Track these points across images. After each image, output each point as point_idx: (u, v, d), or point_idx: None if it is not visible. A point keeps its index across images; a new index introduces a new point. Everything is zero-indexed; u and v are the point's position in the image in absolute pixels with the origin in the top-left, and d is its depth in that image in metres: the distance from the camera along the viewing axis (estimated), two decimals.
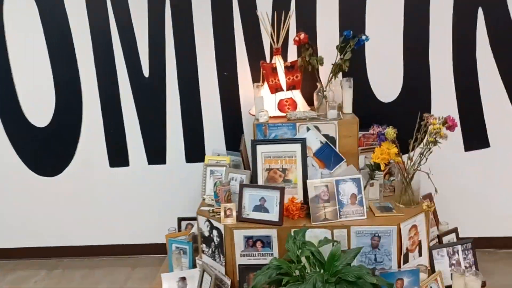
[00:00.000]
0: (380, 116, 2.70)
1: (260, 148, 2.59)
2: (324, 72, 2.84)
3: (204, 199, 2.76)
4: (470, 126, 3.07)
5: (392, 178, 2.68)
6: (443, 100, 3.05)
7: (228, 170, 2.67)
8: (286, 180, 2.57)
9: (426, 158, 2.37)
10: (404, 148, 2.45)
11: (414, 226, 2.41)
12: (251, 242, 2.39)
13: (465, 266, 2.57)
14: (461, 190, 3.13)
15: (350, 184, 2.40)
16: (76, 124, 3.26)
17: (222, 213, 2.42)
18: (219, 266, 2.50)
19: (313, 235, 2.32)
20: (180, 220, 3.17)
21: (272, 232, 2.36)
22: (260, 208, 2.41)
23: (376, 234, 2.32)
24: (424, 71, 3.04)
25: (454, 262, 2.56)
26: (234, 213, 2.43)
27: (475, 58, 2.99)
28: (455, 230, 2.78)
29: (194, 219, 3.00)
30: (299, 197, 2.53)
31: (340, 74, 2.75)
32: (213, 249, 2.53)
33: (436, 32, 2.97)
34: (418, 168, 2.42)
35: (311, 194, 2.37)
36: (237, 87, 3.14)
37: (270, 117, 2.67)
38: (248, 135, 3.10)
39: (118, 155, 3.30)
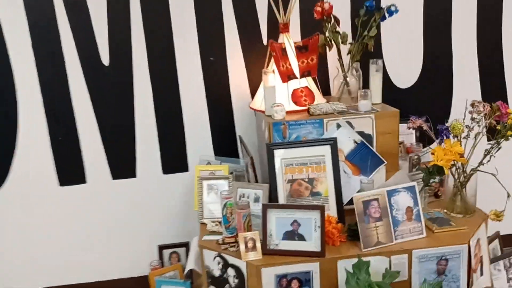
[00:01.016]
0: (397, 104, 2.18)
1: (279, 154, 1.98)
2: (333, 56, 2.30)
3: (203, 224, 2.10)
4: None
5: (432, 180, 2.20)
6: (466, 82, 2.63)
7: (235, 185, 2.03)
8: (314, 194, 1.99)
9: (494, 156, 1.90)
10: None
11: (477, 241, 1.94)
12: (285, 282, 1.78)
13: None
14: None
15: (404, 195, 1.87)
16: (9, 132, 2.41)
17: (242, 246, 1.79)
18: None
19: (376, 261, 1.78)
20: (161, 248, 2.48)
21: (313, 267, 1.78)
22: (292, 235, 1.81)
23: (443, 257, 1.82)
24: (447, 50, 2.59)
25: (511, 276, 2.15)
26: (259, 245, 1.80)
27: (500, 34, 2.60)
28: (497, 236, 2.38)
29: (180, 245, 2.38)
30: (332, 215, 1.96)
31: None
32: None
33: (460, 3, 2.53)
34: (479, 169, 1.95)
35: (358, 211, 1.81)
36: (226, 76, 2.48)
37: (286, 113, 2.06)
38: (246, 136, 2.47)
39: (70, 169, 2.51)
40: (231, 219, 1.92)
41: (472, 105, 2.01)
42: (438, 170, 1.86)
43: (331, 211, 1.98)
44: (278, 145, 1.98)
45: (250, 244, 1.80)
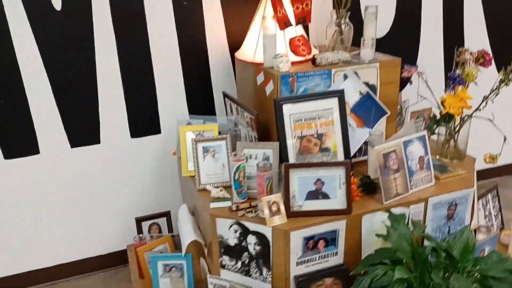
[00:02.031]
0: None
1: (288, 109, 1.82)
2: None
3: (202, 190, 1.89)
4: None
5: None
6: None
7: (240, 145, 1.84)
8: (323, 150, 1.89)
9: (491, 102, 1.96)
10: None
11: None
12: (311, 243, 1.69)
13: (495, 215, 2.35)
14: None
15: (417, 145, 1.86)
16: None
17: (267, 211, 1.64)
18: (257, 284, 1.75)
19: (385, 217, 1.75)
20: (139, 221, 2.21)
21: (340, 225, 1.70)
22: (316, 194, 1.70)
23: (454, 203, 1.87)
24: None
25: (487, 213, 2.31)
26: (283, 208, 1.67)
27: None
28: None
29: (159, 216, 2.14)
30: None
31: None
32: (246, 261, 1.74)
33: None
34: (475, 115, 2.00)
35: (380, 164, 1.75)
36: (202, 23, 2.21)
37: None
38: (231, 91, 2.25)
39: (18, 139, 2.08)
40: (243, 183, 1.74)
41: (459, 53, 2.04)
42: (448, 118, 1.87)
43: None
44: (287, 100, 1.81)
45: (274, 208, 1.65)
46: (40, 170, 2.13)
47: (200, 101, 2.32)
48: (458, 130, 2.05)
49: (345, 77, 1.90)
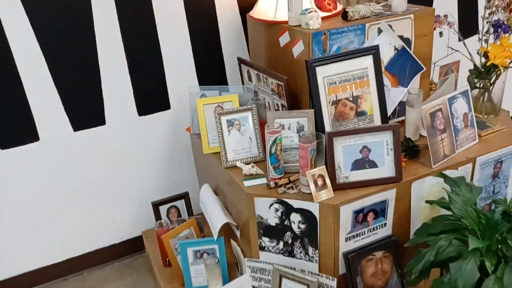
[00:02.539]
0: None
1: (321, 71, 1.64)
2: None
3: (230, 168, 1.71)
4: None
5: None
6: None
7: (272, 115, 1.65)
8: (359, 113, 1.73)
9: None
10: None
11: None
12: (361, 217, 1.55)
13: None
14: None
15: (461, 101, 1.72)
16: None
17: (312, 186, 1.48)
18: (302, 264, 1.61)
19: (435, 182, 1.62)
20: (156, 205, 2.03)
21: (389, 194, 1.56)
22: (363, 163, 1.55)
23: (500, 160, 1.75)
24: None
25: None
26: (328, 181, 1.51)
27: None
28: None
29: (176, 199, 1.98)
30: None
31: None
32: (289, 241, 1.59)
33: None
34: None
35: (427, 125, 1.61)
36: None
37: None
38: (243, 56, 2.05)
39: (14, 126, 1.84)
40: (280, 157, 1.58)
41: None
42: (492, 70, 1.72)
43: None
44: (320, 61, 1.63)
45: (320, 182, 1.50)
46: (41, 159, 1.91)
47: (210, 70, 2.11)
48: (494, 82, 1.91)
49: (379, 31, 1.72)
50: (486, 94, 1.93)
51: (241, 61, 1.98)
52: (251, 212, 1.59)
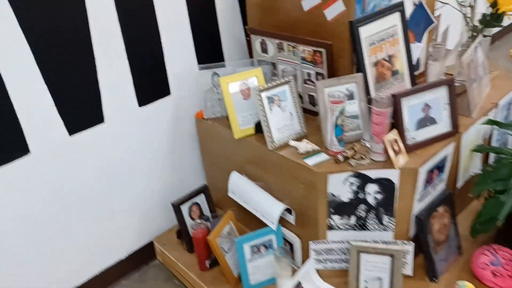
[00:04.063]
0: None
1: (364, 32, 1.56)
2: None
3: (278, 148, 1.56)
4: None
5: None
6: None
7: (321, 85, 1.53)
8: (394, 73, 1.69)
9: None
10: None
11: None
12: (430, 175, 1.53)
13: None
14: None
15: (479, 50, 1.78)
16: None
17: (392, 152, 1.42)
18: (375, 235, 1.56)
19: (473, 131, 1.69)
20: (177, 205, 1.79)
21: (449, 149, 1.57)
22: (424, 121, 1.53)
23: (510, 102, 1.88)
24: None
25: None
26: (402, 145, 1.46)
27: None
28: None
29: (195, 194, 1.80)
30: None
31: None
32: (362, 214, 1.52)
33: None
34: None
35: (467, 77, 1.64)
36: None
37: None
38: (238, 31, 1.85)
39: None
40: (346, 128, 1.48)
41: None
42: (497, 17, 1.80)
43: (408, 86, 1.74)
44: (363, 21, 1.54)
45: (396, 147, 1.44)
46: (32, 174, 1.53)
47: (208, 47, 1.88)
48: None
49: None
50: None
51: (252, 31, 1.79)
52: (322, 191, 1.47)
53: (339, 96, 1.43)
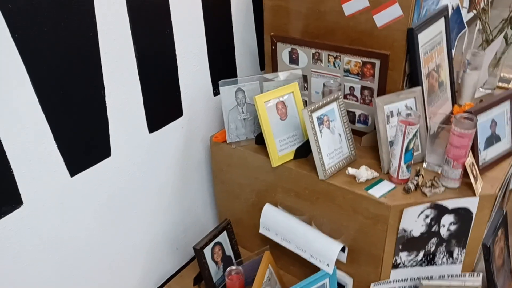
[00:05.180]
0: None
1: (422, 39, 1.37)
2: None
3: (330, 179, 1.33)
4: None
5: None
6: None
7: (380, 102, 1.32)
8: (440, 84, 1.53)
9: None
10: None
11: None
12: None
13: None
14: None
15: None
16: None
17: (473, 178, 1.24)
18: (442, 270, 1.38)
19: None
20: (200, 249, 1.50)
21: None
22: (491, 140, 1.38)
23: None
24: None
25: None
26: (477, 169, 1.29)
27: None
28: None
29: (219, 233, 1.54)
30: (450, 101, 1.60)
31: None
32: (432, 248, 1.34)
33: None
34: None
35: None
36: None
37: None
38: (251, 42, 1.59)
39: None
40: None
41: None
42: None
43: (449, 98, 1.60)
44: (419, 28, 1.35)
45: (474, 172, 1.26)
46: (26, 227, 1.16)
47: (221, 62, 1.60)
48: None
49: None
50: None
51: (280, 39, 1.53)
52: (394, 226, 1.26)
53: (413, 115, 1.23)
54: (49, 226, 1.21)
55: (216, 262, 1.54)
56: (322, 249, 1.35)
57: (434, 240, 1.32)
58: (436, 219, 1.27)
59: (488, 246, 1.38)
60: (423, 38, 1.38)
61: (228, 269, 1.40)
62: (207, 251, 1.50)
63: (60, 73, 1.11)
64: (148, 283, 1.62)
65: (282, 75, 1.49)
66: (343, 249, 1.37)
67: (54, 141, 1.15)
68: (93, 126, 1.24)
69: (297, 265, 1.52)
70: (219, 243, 1.55)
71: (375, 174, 1.32)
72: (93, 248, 1.36)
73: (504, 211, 1.50)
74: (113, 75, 1.23)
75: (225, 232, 1.57)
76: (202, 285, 1.57)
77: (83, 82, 1.17)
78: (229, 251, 1.60)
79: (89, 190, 1.29)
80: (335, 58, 1.44)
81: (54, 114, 1.13)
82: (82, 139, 1.22)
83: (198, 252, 1.47)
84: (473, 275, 1.37)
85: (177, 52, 1.41)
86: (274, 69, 1.60)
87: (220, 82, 1.44)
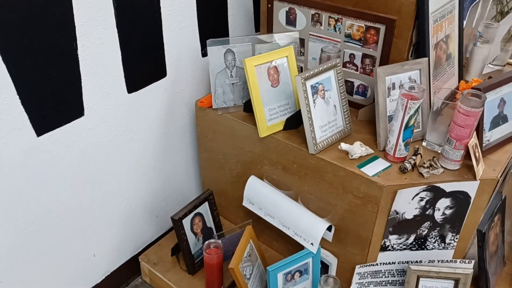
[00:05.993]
0: None
1: (433, 5, 1.24)
2: None
3: (320, 152, 1.23)
4: None
5: None
6: None
7: (382, 72, 1.20)
8: (447, 56, 1.41)
9: None
10: None
11: None
12: None
13: None
14: None
15: None
16: None
17: (474, 161, 1.15)
18: (432, 255, 1.31)
19: None
20: (179, 219, 1.41)
21: None
22: (497, 120, 1.27)
23: None
24: None
25: None
26: (479, 151, 1.19)
27: None
28: None
29: (200, 204, 1.45)
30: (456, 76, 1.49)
31: None
32: (424, 232, 1.25)
33: None
34: None
35: None
36: None
37: None
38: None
39: None
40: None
41: None
42: None
43: (456, 73, 1.48)
44: None
45: (477, 154, 1.17)
46: None
47: (212, 19, 1.46)
48: None
49: None
50: None
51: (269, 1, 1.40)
52: (386, 208, 1.17)
53: (418, 89, 1.12)
54: (12, 190, 1.11)
55: (195, 234, 1.46)
56: (307, 227, 1.27)
57: (427, 224, 1.23)
58: (432, 202, 1.18)
59: (484, 232, 1.30)
60: (434, 4, 1.25)
61: (206, 242, 1.32)
62: (186, 222, 1.42)
63: (25, 19, 0.98)
64: (125, 251, 1.55)
65: (277, 37, 1.36)
66: (329, 228, 1.29)
67: (18, 96, 1.04)
68: (64, 82, 1.12)
69: (281, 241, 1.44)
70: (199, 214, 1.46)
71: (370, 150, 1.22)
72: (64, 214, 1.27)
73: (503, 196, 1.41)
74: (86, 26, 1.10)
75: (206, 203, 1.48)
76: (180, 256, 1.50)
77: (52, 30, 1.04)
78: (210, 223, 1.51)
79: (58, 152, 1.19)
80: (336, 21, 1.31)
81: (18, 65, 1.00)
82: (51, 96, 1.10)
83: (176, 223, 1.38)
84: (465, 262, 1.29)
85: (162, 5, 1.27)
86: (269, 30, 1.47)
87: (208, 41, 1.32)
